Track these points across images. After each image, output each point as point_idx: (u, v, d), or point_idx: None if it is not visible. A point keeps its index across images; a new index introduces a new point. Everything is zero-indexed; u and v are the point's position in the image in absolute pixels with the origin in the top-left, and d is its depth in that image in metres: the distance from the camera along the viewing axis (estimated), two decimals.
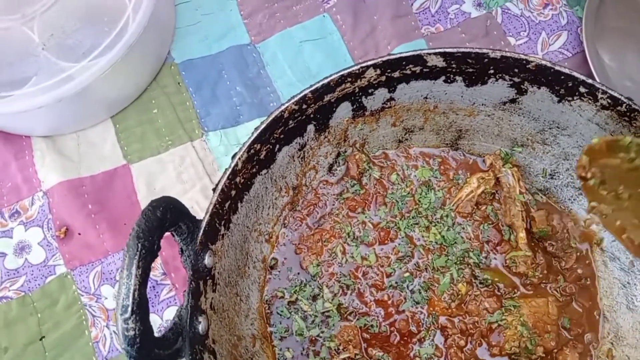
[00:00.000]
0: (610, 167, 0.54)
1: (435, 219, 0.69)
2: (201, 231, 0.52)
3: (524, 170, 0.70)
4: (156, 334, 0.46)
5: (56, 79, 0.69)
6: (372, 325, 0.64)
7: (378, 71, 0.60)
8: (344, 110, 0.64)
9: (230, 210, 0.57)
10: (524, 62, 0.58)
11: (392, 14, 0.85)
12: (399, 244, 0.67)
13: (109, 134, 0.80)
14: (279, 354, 0.63)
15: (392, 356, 0.63)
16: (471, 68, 0.61)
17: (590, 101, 0.59)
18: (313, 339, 0.64)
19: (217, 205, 0.54)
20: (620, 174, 0.54)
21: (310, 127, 0.63)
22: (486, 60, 0.59)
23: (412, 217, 0.68)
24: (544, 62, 0.58)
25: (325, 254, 0.67)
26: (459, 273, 0.66)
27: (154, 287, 0.72)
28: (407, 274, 0.66)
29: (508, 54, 0.58)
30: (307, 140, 0.65)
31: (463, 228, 0.68)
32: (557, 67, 0.58)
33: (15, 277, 0.72)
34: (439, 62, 0.60)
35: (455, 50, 0.59)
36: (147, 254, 0.45)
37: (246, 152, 0.56)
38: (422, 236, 0.68)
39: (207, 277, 0.54)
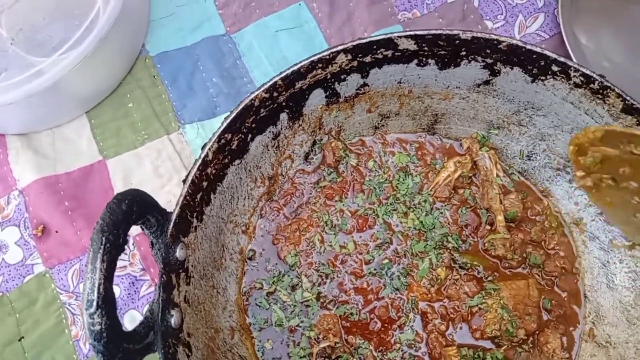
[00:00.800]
0: (614, 154, 0.52)
1: (413, 204, 0.68)
2: (171, 224, 0.52)
3: (501, 153, 0.70)
4: (126, 329, 0.46)
5: (26, 74, 0.68)
6: (351, 313, 0.64)
7: (349, 56, 0.59)
8: (317, 97, 0.63)
9: (202, 202, 0.57)
10: (495, 42, 0.58)
11: (369, 0, 0.84)
12: (378, 231, 0.67)
13: (84, 129, 0.79)
14: (258, 345, 0.63)
15: (373, 343, 0.63)
16: (443, 50, 0.60)
17: (563, 79, 0.58)
18: (292, 329, 0.63)
19: (188, 197, 0.54)
20: (625, 159, 0.51)
21: (283, 116, 0.62)
22: (457, 41, 0.59)
23: (390, 204, 0.68)
24: (515, 42, 0.57)
25: (303, 243, 0.66)
26: (438, 258, 0.66)
27: (133, 283, 0.71)
28: (386, 261, 0.66)
29: (479, 35, 0.58)
30: (281, 129, 0.64)
31: (441, 213, 0.68)
32: (528, 47, 0.57)
33: None
34: (410, 45, 0.59)
35: (425, 32, 0.58)
36: (112, 247, 0.44)
37: (216, 142, 0.55)
38: (401, 222, 0.67)
39: (180, 270, 0.53)
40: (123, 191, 0.48)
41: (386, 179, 0.69)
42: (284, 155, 0.67)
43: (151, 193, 0.51)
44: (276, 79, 0.57)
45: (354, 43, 0.58)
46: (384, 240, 0.66)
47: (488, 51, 0.59)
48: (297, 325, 0.63)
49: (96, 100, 0.80)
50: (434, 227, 0.67)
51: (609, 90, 0.56)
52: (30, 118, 0.76)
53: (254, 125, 0.59)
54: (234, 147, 0.58)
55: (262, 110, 0.59)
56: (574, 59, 0.75)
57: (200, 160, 0.54)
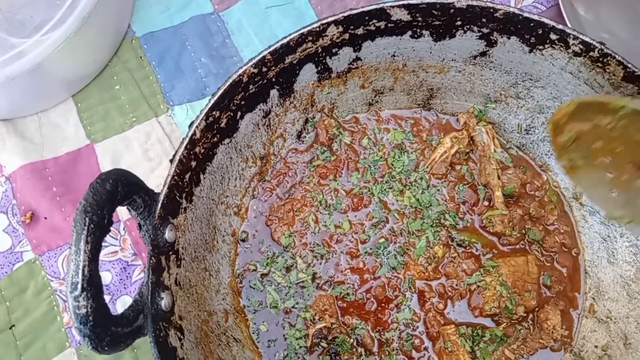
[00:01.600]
0: (587, 128, 0.52)
1: (409, 182, 0.67)
2: (159, 205, 0.50)
3: (499, 127, 0.68)
4: (115, 313, 0.45)
5: (7, 55, 0.66)
6: (348, 294, 0.62)
7: (340, 28, 0.57)
8: (308, 72, 0.61)
9: (191, 183, 0.55)
10: (492, 10, 0.56)
11: None
12: (373, 210, 0.65)
13: (70, 113, 0.77)
14: (253, 327, 0.61)
15: (370, 323, 0.62)
16: (437, 20, 0.58)
17: (562, 48, 0.56)
18: (288, 310, 0.62)
19: (176, 177, 0.52)
20: (598, 133, 0.51)
21: (274, 92, 0.60)
22: (452, 10, 0.56)
23: (386, 182, 0.66)
24: (511, 10, 0.55)
25: (297, 224, 0.65)
26: (435, 236, 0.64)
27: (124, 268, 0.70)
28: (382, 240, 0.64)
29: (474, 3, 0.55)
30: (272, 106, 0.62)
31: (438, 190, 0.66)
32: (525, 14, 0.55)
33: None
34: (404, 16, 0.57)
35: (419, 1, 0.56)
36: (97, 228, 0.43)
37: (204, 119, 0.53)
38: (397, 200, 0.66)
39: (170, 252, 0.52)
40: (107, 171, 0.46)
41: (381, 157, 0.67)
42: (275, 134, 0.65)
43: (141, 177, 0.49)
44: (265, 53, 0.55)
45: (345, 14, 0.56)
46: (379, 219, 0.65)
47: (484, 20, 0.57)
48: (293, 307, 0.62)
49: (82, 83, 0.77)
50: (430, 205, 0.65)
51: (609, 57, 0.54)
52: (15, 102, 0.74)
53: (243, 103, 0.57)
54: (222, 125, 0.56)
55: (251, 86, 0.57)
56: None
57: (187, 139, 0.52)
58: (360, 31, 0.58)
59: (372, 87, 0.67)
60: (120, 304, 0.68)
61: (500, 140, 0.68)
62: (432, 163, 0.67)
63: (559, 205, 0.67)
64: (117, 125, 0.76)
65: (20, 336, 0.67)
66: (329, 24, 0.56)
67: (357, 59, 0.62)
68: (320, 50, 0.59)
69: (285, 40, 0.55)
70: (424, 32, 0.60)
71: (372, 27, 0.58)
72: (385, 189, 0.66)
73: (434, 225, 0.65)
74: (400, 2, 0.56)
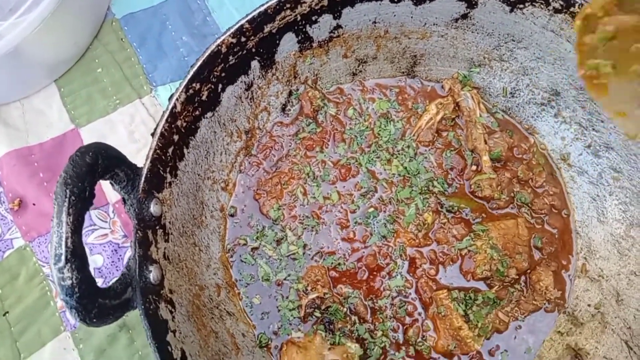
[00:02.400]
0: (633, 22, 0.43)
1: (397, 150, 0.66)
2: (142, 178, 0.50)
3: (484, 92, 0.68)
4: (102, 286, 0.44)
5: None
6: (339, 264, 0.62)
7: None
8: (289, 42, 0.60)
9: (175, 157, 0.54)
10: None
11: None
12: (361, 180, 0.65)
13: (54, 99, 0.76)
14: (245, 300, 0.61)
15: (362, 292, 0.62)
16: None
17: (542, 6, 0.56)
18: (280, 282, 0.62)
19: (159, 151, 0.51)
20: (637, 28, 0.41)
21: (255, 64, 0.60)
22: None
23: (373, 151, 0.66)
24: None
25: (285, 197, 0.65)
26: (424, 203, 0.64)
27: (115, 250, 0.69)
28: (371, 209, 0.64)
29: None
30: (254, 78, 0.61)
31: (425, 157, 0.66)
32: None
33: None
34: None
35: None
36: (78, 200, 0.42)
37: (184, 92, 0.53)
38: (384, 169, 0.66)
39: (157, 227, 0.52)
40: (87, 144, 0.46)
41: (367, 127, 0.67)
42: (259, 107, 0.64)
43: None
44: (242, 22, 0.54)
45: None
46: (368, 189, 0.65)
47: None
48: (285, 279, 0.62)
49: (63, 67, 0.77)
50: (418, 173, 0.65)
51: None
52: None
53: (223, 75, 0.57)
54: (203, 98, 0.56)
55: (230, 57, 0.56)
56: None
57: (168, 112, 0.52)
58: None
59: (355, 57, 0.66)
60: None
61: (485, 105, 0.68)
62: (418, 131, 0.66)
63: (547, 168, 0.67)
64: (101, 108, 0.75)
65: (14, 322, 0.67)
66: None
67: (338, 26, 0.61)
68: (299, 18, 0.58)
69: (263, 8, 0.55)
70: None
71: None
72: (372, 159, 0.66)
73: (422, 192, 0.65)
74: None
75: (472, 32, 0.62)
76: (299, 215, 0.64)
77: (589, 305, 0.63)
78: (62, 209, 0.41)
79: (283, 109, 0.67)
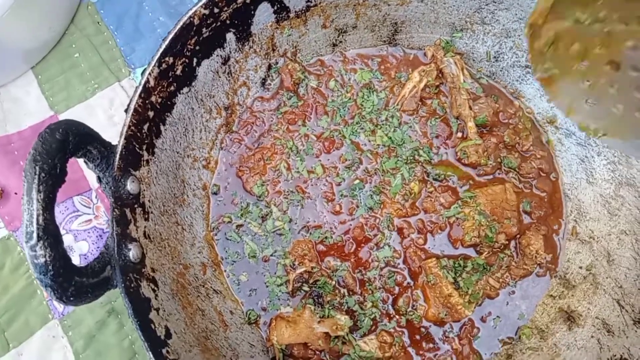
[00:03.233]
0: (565, 26, 0.49)
1: (381, 121, 0.65)
2: (117, 156, 0.48)
3: (467, 57, 0.66)
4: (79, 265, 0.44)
5: None
6: (326, 237, 0.62)
7: None
8: (265, 13, 0.59)
9: (151, 134, 0.53)
10: None
11: None
12: (346, 152, 0.64)
13: (31, 86, 0.75)
14: (232, 278, 0.61)
15: (351, 264, 0.61)
16: None
17: None
18: (267, 258, 0.61)
19: (133, 128, 0.50)
20: (576, 33, 0.49)
21: (230, 37, 0.58)
22: None
23: (356, 123, 0.65)
24: None
25: (269, 172, 0.64)
26: (410, 172, 0.63)
27: (100, 236, 0.69)
28: (357, 181, 0.63)
29: None
30: (230, 52, 0.60)
31: (410, 126, 0.65)
32: None
33: None
34: None
35: None
36: (48, 177, 0.41)
37: (156, 66, 0.52)
38: (369, 141, 0.65)
39: (135, 205, 0.51)
40: (57, 121, 0.44)
41: (350, 98, 0.66)
42: (238, 82, 0.63)
43: None
44: None
45: None
46: (353, 161, 0.64)
47: None
48: (271, 255, 0.61)
49: (40, 53, 0.75)
50: (403, 142, 0.64)
51: None
52: None
53: (197, 48, 0.55)
54: (178, 72, 0.54)
55: (204, 29, 0.55)
56: None
57: (140, 87, 0.50)
58: None
59: (334, 26, 0.65)
60: None
61: (469, 71, 0.66)
62: (402, 100, 0.65)
63: (534, 131, 0.66)
64: (80, 93, 0.74)
65: (1, 313, 0.66)
66: None
67: None
68: None
69: None
70: None
71: None
72: (356, 130, 0.65)
73: (408, 162, 0.64)
74: None
75: None
76: (283, 190, 0.63)
77: (580, 267, 0.62)
78: (32, 186, 0.40)
79: (263, 84, 0.65)
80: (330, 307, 0.59)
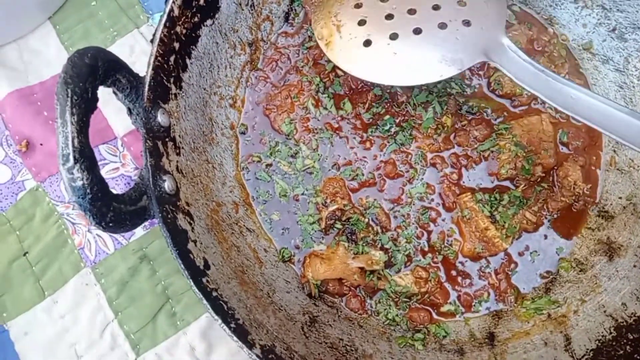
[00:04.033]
0: None
1: None
2: (146, 86, 0.47)
3: None
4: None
5: None
6: (357, 174, 0.60)
7: None
8: None
9: (177, 67, 0.52)
10: None
11: None
12: (375, 88, 0.62)
13: (50, 37, 0.74)
14: (264, 217, 0.60)
15: (383, 201, 0.60)
16: None
17: None
18: (297, 197, 0.60)
19: (160, 59, 0.49)
20: None
21: None
22: None
23: None
24: None
25: (296, 110, 0.62)
26: (442, 105, 0.61)
27: (128, 183, 0.68)
28: (387, 117, 0.61)
29: None
30: None
31: None
32: None
33: None
34: None
35: None
36: (81, 100, 0.40)
37: None
38: None
39: (166, 139, 0.50)
40: (83, 47, 0.43)
41: None
42: (260, 16, 0.61)
43: None
44: None
45: None
46: (383, 96, 0.62)
47: None
48: (302, 194, 0.60)
49: (57, 3, 0.74)
50: None
51: None
52: None
53: None
54: (201, 2, 0.53)
55: None
56: None
57: (165, 16, 0.49)
58: None
59: None
60: None
61: None
62: None
63: (569, 59, 0.63)
64: (99, 41, 0.72)
65: (35, 262, 0.67)
66: None
67: None
68: None
69: None
70: None
71: None
72: None
73: (439, 95, 0.62)
74: None
75: None
76: (312, 128, 0.62)
77: (620, 197, 0.60)
78: (65, 108, 0.39)
79: (286, 18, 0.63)
80: (364, 244, 0.58)
